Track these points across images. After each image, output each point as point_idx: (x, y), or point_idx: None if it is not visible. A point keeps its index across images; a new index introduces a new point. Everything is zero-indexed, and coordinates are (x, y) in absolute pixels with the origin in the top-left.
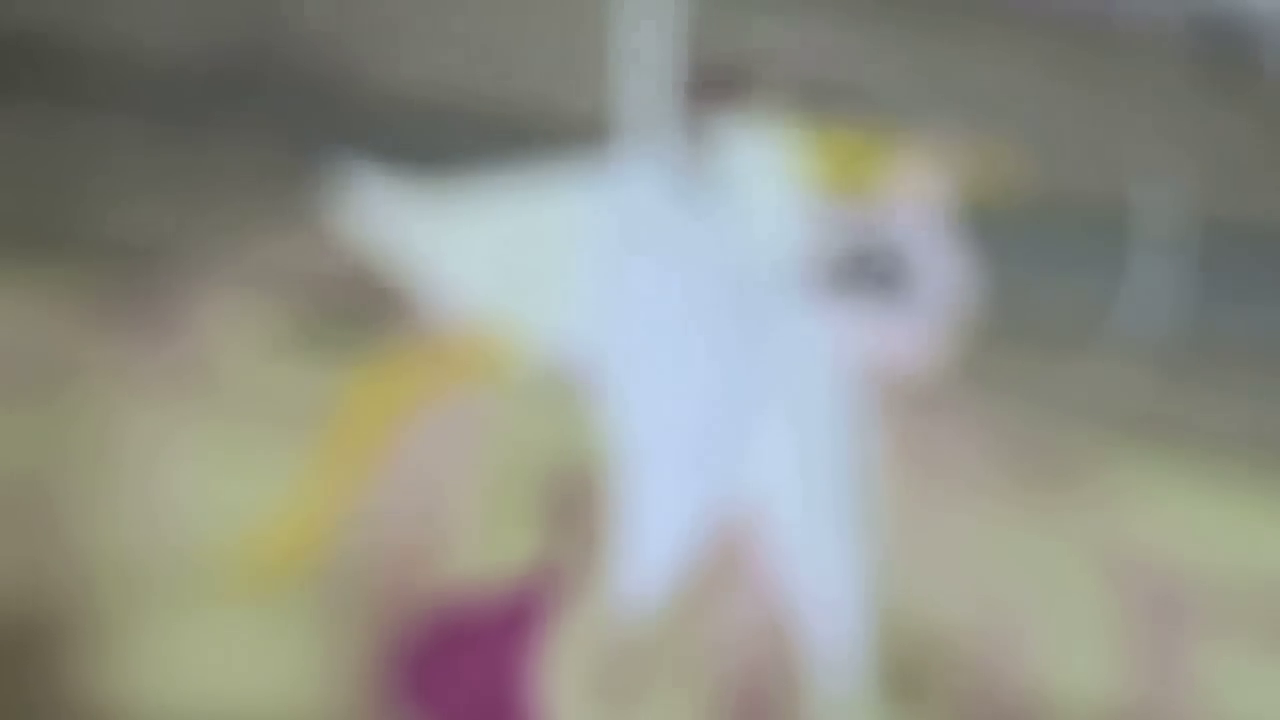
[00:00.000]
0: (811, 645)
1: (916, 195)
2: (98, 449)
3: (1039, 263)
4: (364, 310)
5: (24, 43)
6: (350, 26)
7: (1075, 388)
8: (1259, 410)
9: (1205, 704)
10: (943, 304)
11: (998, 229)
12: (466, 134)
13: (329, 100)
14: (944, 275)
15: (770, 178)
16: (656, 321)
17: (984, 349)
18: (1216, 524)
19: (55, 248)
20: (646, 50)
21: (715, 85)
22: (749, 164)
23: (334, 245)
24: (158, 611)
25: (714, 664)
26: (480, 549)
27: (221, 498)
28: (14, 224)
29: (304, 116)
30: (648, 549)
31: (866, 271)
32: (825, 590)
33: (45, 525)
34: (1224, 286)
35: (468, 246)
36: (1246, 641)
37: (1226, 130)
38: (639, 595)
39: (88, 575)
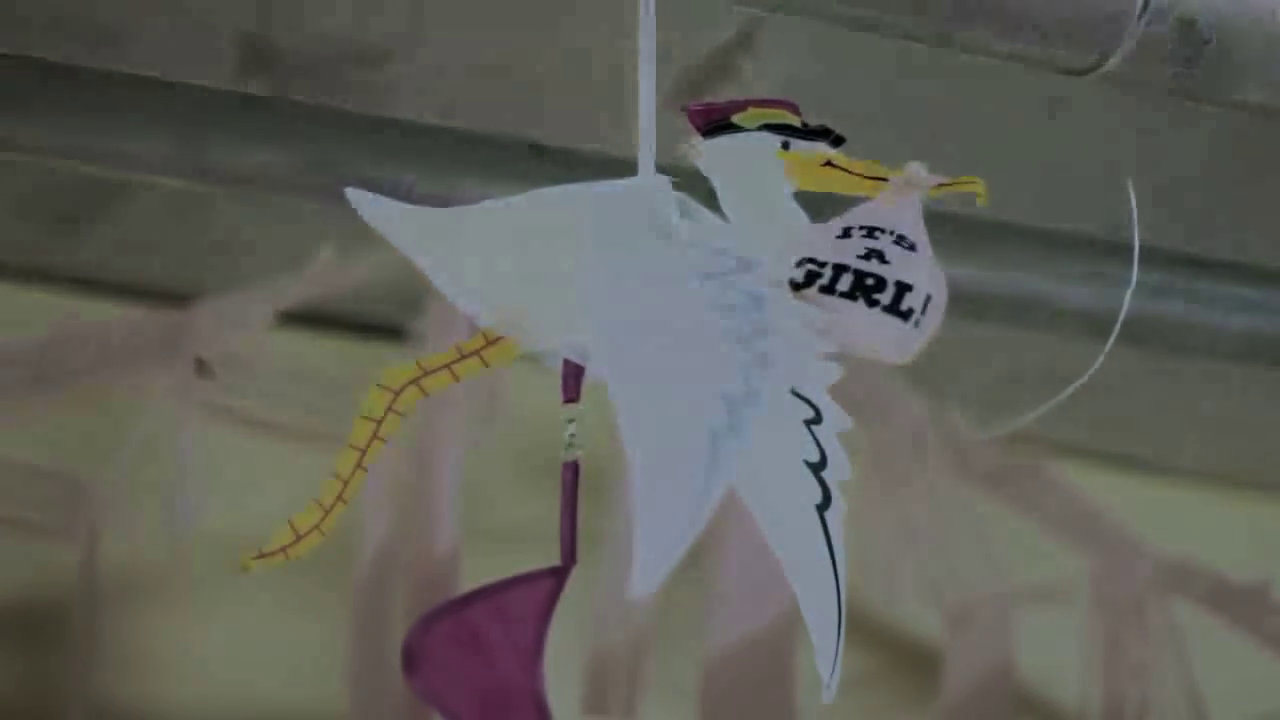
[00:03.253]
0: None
1: (897, 207)
2: (124, 451)
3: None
4: (386, 321)
5: (42, 68)
6: (373, 49)
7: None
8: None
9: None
10: (925, 310)
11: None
12: (485, 160)
13: (350, 122)
14: (925, 283)
15: (761, 188)
16: (654, 323)
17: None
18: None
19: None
20: (645, 74)
21: (705, 103)
22: (741, 175)
23: (356, 261)
24: (166, 608)
25: (707, 669)
26: (484, 546)
27: (242, 500)
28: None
29: (325, 138)
30: (647, 550)
31: (852, 279)
32: (809, 591)
33: (66, 526)
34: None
35: (472, 250)
36: (1225, 636)
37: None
38: (638, 595)
39: (99, 571)
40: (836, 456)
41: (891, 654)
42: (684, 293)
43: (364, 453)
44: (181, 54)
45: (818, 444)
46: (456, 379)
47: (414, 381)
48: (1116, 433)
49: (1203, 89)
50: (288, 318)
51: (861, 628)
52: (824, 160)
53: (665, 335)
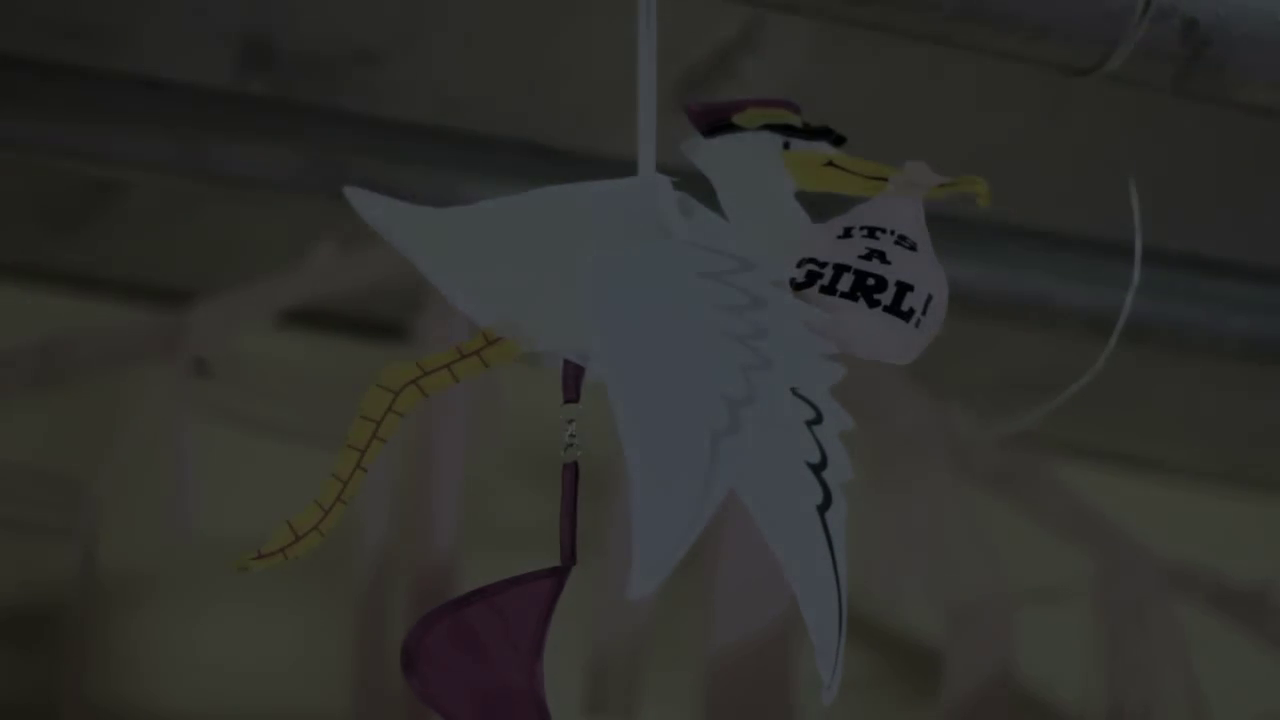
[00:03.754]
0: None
1: (898, 206)
2: (123, 452)
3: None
4: (386, 321)
5: (42, 68)
6: (372, 49)
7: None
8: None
9: (1185, 702)
10: (926, 310)
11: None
12: (485, 160)
13: (350, 122)
14: (926, 283)
15: (761, 188)
16: (654, 323)
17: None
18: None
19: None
20: (645, 74)
21: (706, 103)
22: (741, 175)
23: (356, 261)
24: (166, 608)
25: (707, 669)
26: (484, 546)
27: (242, 500)
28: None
29: (325, 138)
30: (647, 550)
31: (853, 279)
32: (810, 592)
33: (60, 524)
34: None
35: (472, 249)
36: (1226, 637)
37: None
38: (638, 596)
39: (99, 571)
40: (837, 457)
41: (892, 655)
42: (684, 293)
43: (363, 453)
44: (181, 54)
45: (818, 444)
46: (456, 379)
47: (413, 382)
48: (1116, 433)
49: (1203, 89)
50: (288, 318)
51: (862, 629)
52: (825, 160)
53: (665, 335)
